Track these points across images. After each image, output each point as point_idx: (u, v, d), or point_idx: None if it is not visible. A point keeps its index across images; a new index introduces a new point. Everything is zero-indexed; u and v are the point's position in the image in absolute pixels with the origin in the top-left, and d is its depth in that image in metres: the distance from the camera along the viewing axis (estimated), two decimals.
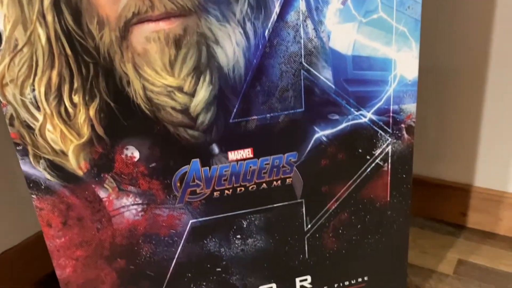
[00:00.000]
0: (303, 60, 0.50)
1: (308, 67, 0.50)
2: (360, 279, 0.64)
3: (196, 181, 0.53)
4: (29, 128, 0.47)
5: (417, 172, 0.93)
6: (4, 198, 0.80)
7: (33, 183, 0.50)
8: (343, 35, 0.50)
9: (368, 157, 0.57)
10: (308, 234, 0.59)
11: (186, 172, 0.52)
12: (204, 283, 0.59)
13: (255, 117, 0.51)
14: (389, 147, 0.57)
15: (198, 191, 0.53)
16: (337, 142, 0.55)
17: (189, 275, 0.58)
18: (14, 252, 0.82)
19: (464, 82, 0.83)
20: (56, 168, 0.49)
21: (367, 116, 0.55)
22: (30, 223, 0.84)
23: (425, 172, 0.93)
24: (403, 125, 0.56)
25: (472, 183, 0.89)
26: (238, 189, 0.54)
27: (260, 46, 0.48)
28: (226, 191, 0.54)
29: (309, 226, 0.59)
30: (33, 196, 0.50)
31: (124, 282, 0.56)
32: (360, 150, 0.56)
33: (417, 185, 0.91)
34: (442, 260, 0.82)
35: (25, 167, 0.49)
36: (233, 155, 0.53)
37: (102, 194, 0.51)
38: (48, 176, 0.50)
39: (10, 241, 0.82)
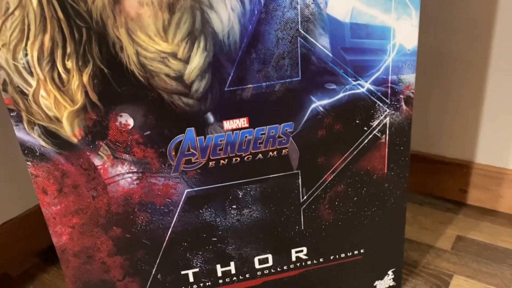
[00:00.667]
0: (300, 27, 0.49)
1: (305, 34, 0.49)
2: (356, 252, 0.64)
3: (191, 150, 0.52)
4: (23, 93, 0.47)
5: (417, 148, 0.93)
6: (5, 170, 0.81)
7: (28, 150, 0.50)
8: (341, 1, 0.49)
9: (365, 128, 0.56)
10: (304, 206, 0.59)
11: (181, 141, 0.52)
12: (200, 253, 0.59)
13: (250, 85, 0.50)
14: (387, 118, 0.56)
15: (193, 161, 0.53)
16: (334, 112, 0.54)
17: (185, 244, 0.58)
18: (15, 223, 0.83)
19: (467, 60, 0.82)
20: (50, 135, 0.49)
21: (365, 86, 0.54)
22: (32, 194, 0.85)
23: (425, 149, 0.93)
24: (401, 96, 0.56)
25: (472, 160, 0.88)
26: (234, 159, 0.54)
27: (256, 12, 0.47)
28: (222, 161, 0.54)
29: (305, 197, 0.59)
30: (28, 163, 0.50)
31: (120, 250, 0.56)
32: (357, 121, 0.56)
33: (417, 161, 0.91)
34: (440, 236, 0.82)
35: (20, 134, 0.49)
36: (228, 125, 0.52)
37: (97, 161, 0.51)
38: (43, 143, 0.50)
39: (12, 211, 0.83)
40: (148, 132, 0.51)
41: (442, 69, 0.85)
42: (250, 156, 0.54)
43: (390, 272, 0.68)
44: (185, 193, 0.55)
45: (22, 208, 0.84)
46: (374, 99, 0.55)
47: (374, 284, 0.69)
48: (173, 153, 0.52)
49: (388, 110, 0.56)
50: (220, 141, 0.53)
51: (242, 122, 0.52)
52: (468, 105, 0.85)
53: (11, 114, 0.48)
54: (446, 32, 0.82)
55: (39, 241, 0.87)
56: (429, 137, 0.92)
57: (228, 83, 0.50)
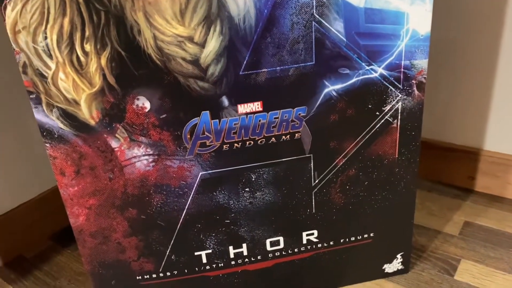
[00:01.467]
0: (314, 11, 0.49)
1: (320, 18, 0.50)
2: (366, 235, 0.65)
3: (206, 133, 0.53)
4: (42, 76, 0.48)
5: (426, 135, 0.93)
6: (21, 153, 0.82)
7: (46, 132, 0.51)
8: None
9: (377, 113, 0.57)
10: (316, 189, 0.60)
11: (196, 124, 0.53)
12: (213, 234, 0.60)
13: (265, 69, 0.51)
14: (399, 103, 0.57)
15: (208, 144, 0.54)
16: (347, 97, 0.55)
17: (199, 226, 0.59)
18: (30, 205, 0.85)
19: (476, 47, 0.82)
20: (69, 117, 0.50)
21: (378, 71, 0.54)
22: (47, 177, 0.87)
23: (434, 136, 0.93)
24: (414, 81, 0.56)
25: (481, 147, 0.89)
26: (247, 142, 0.55)
27: None
28: (236, 144, 0.55)
29: (316, 181, 0.60)
30: (46, 144, 0.51)
31: (135, 231, 0.58)
32: (369, 106, 0.56)
33: (426, 148, 0.92)
34: (448, 221, 0.83)
35: (39, 116, 0.50)
36: (242, 108, 0.53)
37: (114, 144, 0.52)
38: (61, 125, 0.51)
39: (27, 194, 0.84)
40: (164, 115, 0.52)
41: (450, 56, 0.85)
42: (264, 139, 0.55)
43: (398, 256, 0.69)
44: (199, 175, 0.56)
45: (37, 190, 0.86)
46: (386, 84, 0.55)
47: (383, 267, 0.70)
48: (188, 136, 0.53)
49: (400, 95, 0.56)
50: (234, 124, 0.54)
51: (256, 106, 0.53)
52: (477, 92, 0.85)
53: (31, 96, 0.49)
54: (456, 18, 0.81)
55: (54, 223, 0.88)
56: (437, 124, 0.92)
57: (243, 67, 0.50)
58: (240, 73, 0.51)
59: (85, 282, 0.76)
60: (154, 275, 0.61)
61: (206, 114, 0.52)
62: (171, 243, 0.59)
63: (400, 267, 0.70)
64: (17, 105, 0.80)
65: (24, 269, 0.80)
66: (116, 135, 0.52)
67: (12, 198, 0.83)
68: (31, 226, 0.85)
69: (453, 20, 0.82)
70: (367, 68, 0.54)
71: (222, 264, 0.63)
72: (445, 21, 0.82)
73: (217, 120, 0.53)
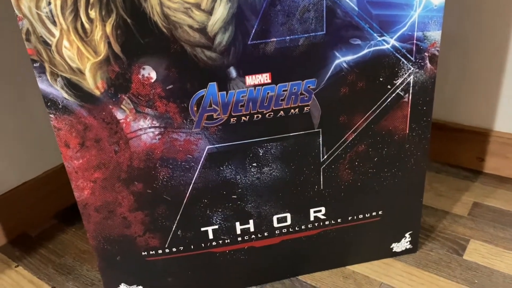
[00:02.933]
0: None
1: None
2: (374, 213, 0.64)
3: (213, 105, 0.52)
4: (46, 44, 0.47)
5: (434, 116, 0.91)
6: (25, 131, 0.81)
7: (50, 102, 0.50)
8: None
9: (388, 86, 0.55)
10: (324, 165, 0.59)
11: (203, 96, 0.51)
12: (219, 210, 0.59)
13: (274, 39, 0.50)
14: (411, 76, 0.55)
15: (215, 116, 0.53)
16: (358, 69, 0.53)
17: (205, 201, 0.58)
18: (34, 184, 0.84)
19: (487, 25, 0.80)
20: (73, 87, 0.49)
21: (390, 42, 0.53)
22: (50, 155, 0.86)
23: (442, 117, 0.91)
24: (426, 54, 0.54)
25: (491, 128, 0.87)
26: (255, 116, 0.54)
27: None
28: (243, 118, 0.54)
29: (325, 156, 0.58)
30: (50, 115, 0.50)
31: (141, 206, 0.57)
32: (381, 79, 0.55)
33: (434, 129, 0.90)
34: (457, 202, 0.82)
35: (43, 85, 0.49)
36: (250, 80, 0.52)
37: (119, 115, 0.51)
38: (66, 95, 0.49)
39: (31, 172, 0.84)
40: (170, 86, 0.50)
41: (460, 35, 0.83)
42: (272, 113, 0.54)
43: (407, 235, 0.68)
44: (206, 149, 0.55)
45: (41, 169, 0.85)
46: (398, 56, 0.54)
47: (391, 247, 0.69)
48: (195, 108, 0.52)
49: (412, 68, 0.55)
50: (242, 97, 0.52)
51: (265, 77, 0.52)
52: (486, 72, 0.84)
53: (34, 65, 0.48)
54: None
55: (57, 202, 0.88)
56: (446, 104, 0.90)
57: (251, 36, 0.49)
58: (249, 42, 0.49)
59: (90, 260, 0.76)
60: (159, 251, 0.61)
61: (213, 85, 0.51)
62: (177, 218, 0.59)
63: (409, 246, 0.69)
64: (20, 82, 0.79)
65: (28, 247, 0.80)
66: (122, 106, 0.51)
67: (16, 176, 0.82)
68: (35, 204, 0.85)
69: (466, 1, 0.80)
70: (379, 39, 0.52)
71: (228, 240, 0.62)
72: (458, 3, 0.81)
73: (225, 92, 0.52)
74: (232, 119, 0.54)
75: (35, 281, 0.72)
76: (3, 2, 0.74)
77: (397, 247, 0.69)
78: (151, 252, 0.61)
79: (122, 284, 0.63)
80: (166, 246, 0.61)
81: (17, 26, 0.75)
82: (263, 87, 0.52)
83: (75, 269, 0.74)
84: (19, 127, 0.81)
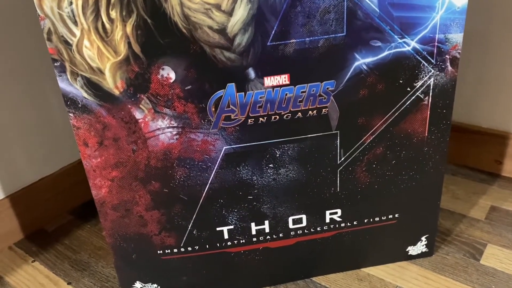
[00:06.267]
0: None
1: None
2: (390, 216, 0.64)
3: (231, 106, 0.52)
4: (67, 43, 0.47)
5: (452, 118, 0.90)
6: (43, 127, 0.82)
7: (70, 101, 0.50)
8: None
9: (408, 89, 0.55)
10: (341, 167, 0.59)
11: (221, 96, 0.51)
12: (235, 210, 0.59)
13: (293, 40, 0.49)
14: (431, 79, 0.55)
15: (232, 117, 0.53)
16: (378, 71, 0.53)
17: (221, 201, 0.58)
18: (51, 180, 0.85)
19: (507, 26, 0.78)
20: (93, 86, 0.49)
21: (410, 44, 0.52)
22: (67, 152, 0.87)
23: (460, 118, 0.90)
24: (447, 56, 0.54)
25: (510, 130, 0.86)
26: (273, 117, 0.54)
27: None
28: (261, 119, 0.53)
29: (342, 159, 0.58)
30: (70, 114, 0.51)
31: (157, 205, 0.57)
32: (400, 81, 0.54)
33: (451, 131, 0.89)
34: (474, 206, 0.81)
35: (63, 85, 0.49)
36: (269, 81, 0.51)
37: (138, 115, 0.51)
38: (85, 95, 0.50)
39: (48, 168, 0.85)
40: (189, 87, 0.50)
41: (480, 36, 0.82)
42: (290, 114, 0.54)
43: (423, 238, 0.68)
44: (223, 150, 0.55)
45: (58, 165, 0.86)
46: (419, 58, 0.53)
47: (407, 250, 0.68)
48: (213, 109, 0.52)
49: (432, 71, 0.54)
50: (260, 98, 0.52)
51: (283, 79, 0.51)
52: (506, 73, 0.82)
53: (55, 64, 0.48)
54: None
55: (73, 198, 0.89)
56: (464, 106, 0.89)
57: (271, 38, 0.49)
58: (268, 43, 0.49)
59: (105, 257, 0.76)
60: (175, 250, 0.61)
61: (231, 86, 0.51)
62: (193, 217, 0.59)
63: (424, 249, 0.69)
64: (39, 79, 0.80)
65: (45, 242, 0.81)
66: (140, 106, 0.51)
67: (34, 172, 0.83)
68: (52, 200, 0.86)
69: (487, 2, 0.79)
70: (400, 41, 0.52)
71: (243, 241, 0.62)
72: (479, 4, 0.79)
73: (243, 93, 0.51)
74: (249, 120, 0.53)
75: (51, 277, 0.73)
76: (22, 0, 0.74)
77: (412, 250, 0.69)
78: (166, 251, 0.61)
79: (137, 282, 0.63)
80: (182, 245, 0.61)
81: (36, 24, 0.76)
82: (282, 88, 0.52)
83: (91, 266, 0.75)
84: (37, 123, 0.81)
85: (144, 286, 0.64)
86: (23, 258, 0.78)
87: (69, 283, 0.71)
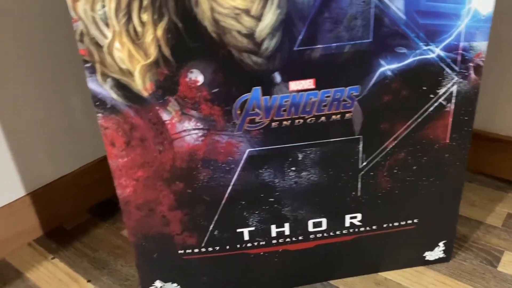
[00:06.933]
0: None
1: None
2: (410, 221, 0.64)
3: (256, 109, 0.53)
4: (98, 45, 0.48)
5: None
6: (64, 126, 0.84)
7: (99, 102, 0.51)
8: None
9: (431, 95, 0.55)
10: (363, 172, 0.59)
11: (247, 99, 0.52)
12: (256, 212, 0.60)
13: (320, 46, 0.50)
14: (455, 86, 0.55)
15: (257, 120, 0.54)
16: (402, 77, 0.53)
17: (243, 203, 0.59)
18: (71, 178, 0.86)
19: None
20: (122, 87, 0.50)
21: (435, 51, 0.53)
22: (87, 151, 0.88)
23: (478, 126, 0.90)
24: (471, 64, 0.54)
25: None
26: (297, 120, 0.54)
27: None
28: (285, 122, 0.54)
29: (364, 163, 0.59)
30: (98, 114, 0.52)
31: (180, 205, 0.58)
32: (424, 88, 0.55)
33: None
34: (490, 213, 0.81)
35: (92, 85, 0.50)
36: (294, 85, 0.52)
37: (165, 116, 0.52)
38: (114, 96, 0.51)
39: (67, 167, 0.86)
40: (216, 90, 0.51)
41: (500, 42, 0.82)
42: (313, 118, 0.54)
43: (440, 244, 0.68)
44: (246, 152, 0.56)
45: (78, 164, 0.87)
46: (443, 65, 0.53)
47: (424, 255, 0.69)
48: (238, 112, 0.53)
49: (456, 78, 0.55)
50: (285, 101, 0.53)
51: (309, 83, 0.52)
52: None
53: (86, 65, 0.49)
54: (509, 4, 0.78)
55: (92, 197, 0.90)
56: (482, 113, 0.89)
57: (298, 43, 0.50)
58: (295, 48, 0.50)
59: (124, 256, 0.77)
60: (196, 250, 0.62)
61: (257, 90, 0.52)
62: (215, 218, 0.60)
63: (442, 255, 0.69)
64: (62, 79, 0.81)
65: (64, 240, 0.82)
66: (168, 107, 0.52)
67: (54, 170, 0.84)
68: (71, 198, 0.87)
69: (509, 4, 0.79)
70: (425, 48, 0.52)
71: (263, 243, 0.63)
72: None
73: (268, 96, 0.52)
74: (273, 123, 0.54)
75: (71, 274, 0.74)
76: (50, 4, 0.76)
77: (430, 255, 0.69)
78: (187, 251, 0.62)
79: (157, 280, 0.64)
80: (203, 245, 0.62)
81: (63, 27, 0.77)
82: (307, 92, 0.53)
83: (109, 264, 0.76)
84: (58, 122, 0.83)
85: (164, 285, 0.65)
86: (42, 255, 0.79)
87: (89, 281, 0.72)
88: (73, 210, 0.88)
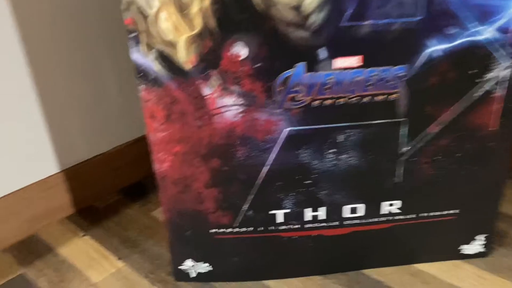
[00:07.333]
0: None
1: None
2: (449, 211, 0.62)
3: (298, 86, 0.52)
4: (144, 15, 0.48)
5: None
6: (99, 106, 0.84)
7: (142, 73, 0.51)
8: None
9: (480, 79, 0.53)
10: (404, 157, 0.57)
11: (290, 76, 0.51)
12: (292, 194, 0.59)
13: (368, 22, 0.49)
14: (506, 71, 0.53)
15: (298, 98, 0.53)
16: (450, 59, 0.52)
17: (279, 183, 0.58)
18: (104, 158, 0.87)
19: None
20: (165, 59, 0.50)
21: (486, 33, 0.51)
22: (121, 132, 0.89)
23: None
24: None
25: None
26: (339, 100, 0.53)
27: None
28: (326, 101, 0.53)
29: (406, 148, 0.57)
30: (141, 86, 0.52)
31: (216, 183, 0.58)
32: (472, 71, 0.53)
33: None
34: None
35: (136, 56, 0.50)
36: (339, 63, 0.51)
37: (206, 91, 0.52)
38: (157, 67, 0.51)
39: (101, 146, 0.87)
40: (258, 64, 0.51)
41: None
42: (356, 98, 0.53)
43: (479, 237, 0.65)
44: (285, 131, 0.55)
45: (111, 144, 0.88)
46: (493, 48, 0.51)
47: (459, 248, 0.66)
48: (280, 89, 0.52)
49: (506, 63, 0.52)
50: (328, 79, 0.52)
51: (355, 60, 0.51)
52: None
53: (130, 35, 0.49)
54: None
55: (123, 178, 0.91)
56: None
57: (345, 18, 0.48)
58: (342, 24, 0.49)
59: (154, 236, 0.77)
60: (228, 230, 0.61)
61: (300, 66, 0.51)
62: (250, 198, 0.59)
63: (480, 249, 0.66)
64: (97, 57, 0.82)
65: (95, 218, 0.83)
66: (210, 82, 0.51)
67: (88, 149, 0.85)
68: (103, 178, 0.88)
69: None
70: (475, 29, 0.50)
71: (297, 226, 0.61)
72: None
73: (311, 73, 0.51)
74: (315, 102, 0.53)
75: (101, 251, 0.75)
76: None
77: (466, 249, 0.67)
78: (220, 230, 0.61)
79: (189, 259, 0.64)
80: (236, 225, 0.61)
81: (97, 4, 0.78)
82: (352, 70, 0.51)
83: (140, 243, 0.76)
84: (93, 101, 0.83)
85: (196, 264, 0.64)
86: (74, 232, 0.80)
87: (119, 259, 0.73)
88: (104, 190, 0.88)
